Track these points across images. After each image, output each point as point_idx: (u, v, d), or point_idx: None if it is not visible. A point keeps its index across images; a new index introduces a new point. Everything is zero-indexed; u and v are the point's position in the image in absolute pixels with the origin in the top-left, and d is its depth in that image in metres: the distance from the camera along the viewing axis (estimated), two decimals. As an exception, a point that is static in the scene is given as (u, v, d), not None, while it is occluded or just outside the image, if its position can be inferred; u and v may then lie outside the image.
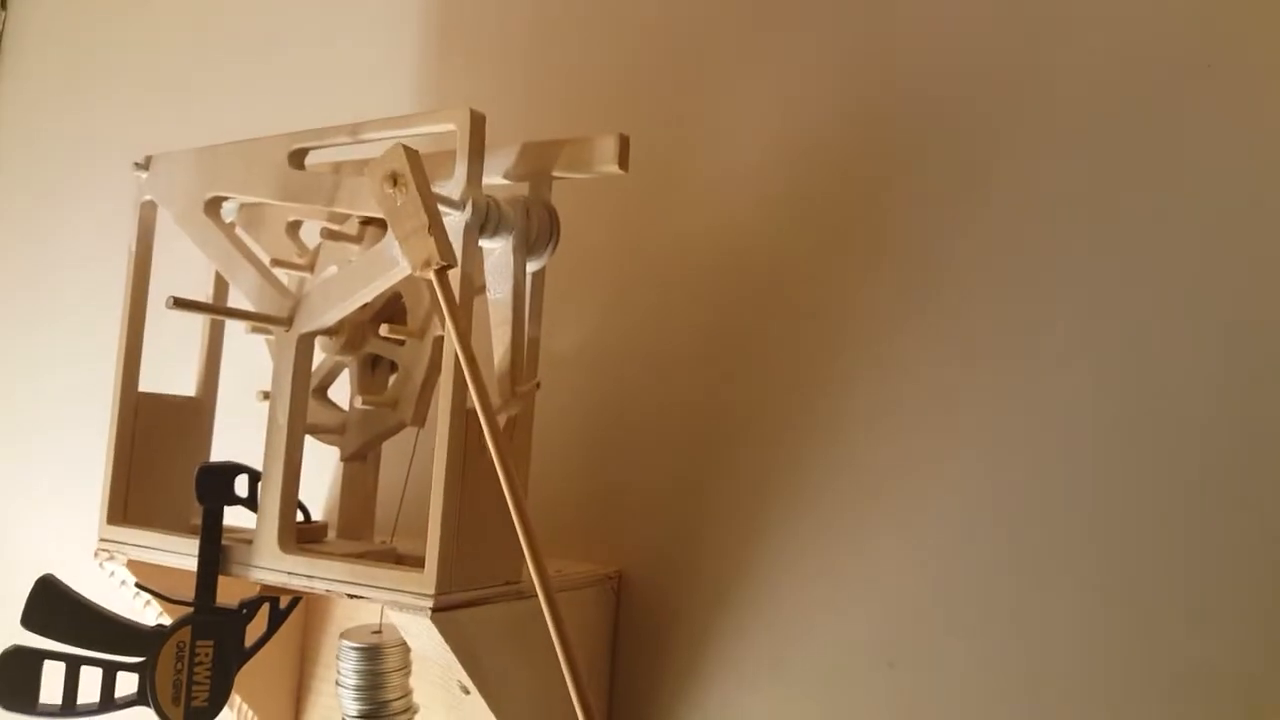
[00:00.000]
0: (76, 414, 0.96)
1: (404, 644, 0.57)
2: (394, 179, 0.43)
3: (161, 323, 0.59)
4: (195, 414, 0.61)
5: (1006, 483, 0.48)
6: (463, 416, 0.46)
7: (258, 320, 0.49)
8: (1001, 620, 0.47)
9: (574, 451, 0.61)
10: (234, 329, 0.63)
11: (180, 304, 0.46)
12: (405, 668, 0.57)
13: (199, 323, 0.62)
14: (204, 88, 0.91)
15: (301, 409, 0.51)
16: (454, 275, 0.46)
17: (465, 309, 0.46)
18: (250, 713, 0.63)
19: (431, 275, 0.43)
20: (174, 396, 0.60)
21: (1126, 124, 0.48)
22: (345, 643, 0.55)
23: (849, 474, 0.52)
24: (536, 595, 0.52)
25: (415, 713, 0.57)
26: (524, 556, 0.50)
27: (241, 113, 0.87)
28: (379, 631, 0.57)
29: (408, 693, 0.57)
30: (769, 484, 0.54)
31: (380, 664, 0.55)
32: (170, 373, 0.62)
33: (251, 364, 0.67)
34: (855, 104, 0.55)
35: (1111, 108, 0.48)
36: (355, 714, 0.55)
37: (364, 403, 0.51)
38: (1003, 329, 0.49)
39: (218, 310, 0.48)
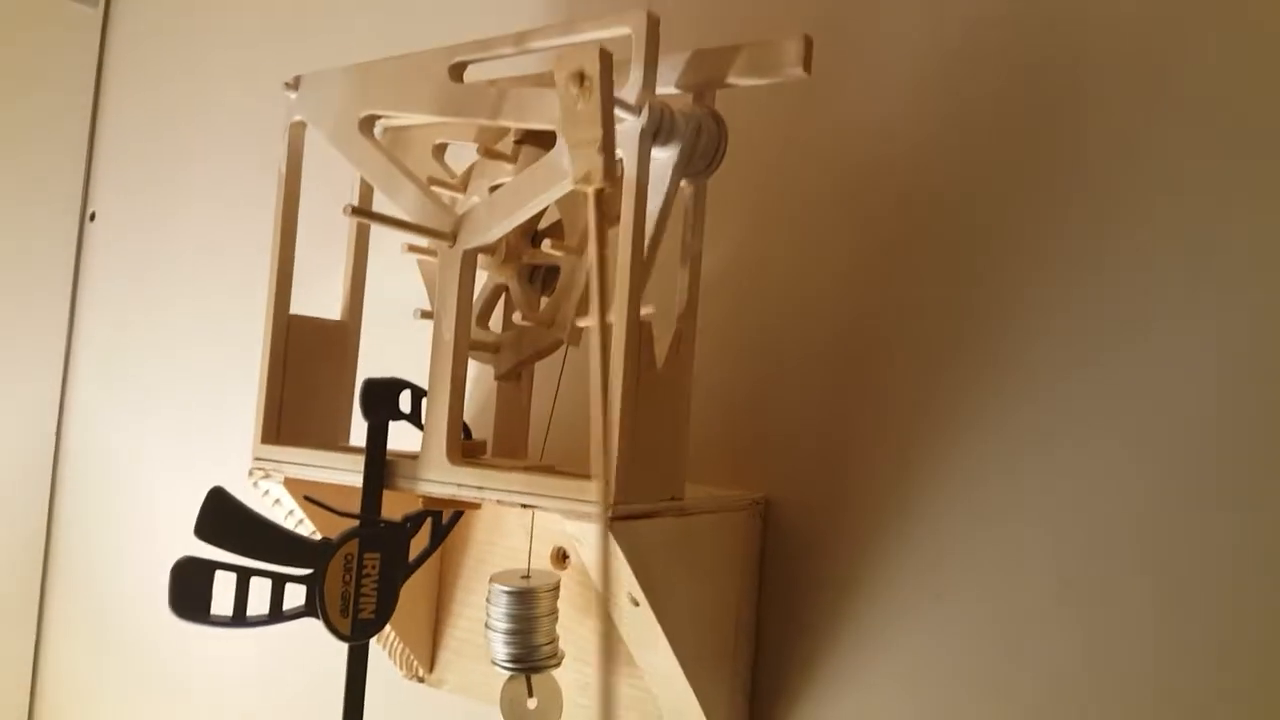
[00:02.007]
0: (203, 343, 0.97)
1: (555, 589, 0.57)
2: (580, 79, 0.42)
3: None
4: (342, 337, 0.61)
5: (1202, 402, 0.46)
6: (638, 324, 0.45)
7: (427, 233, 0.49)
8: (1192, 551, 0.46)
9: (717, 376, 0.60)
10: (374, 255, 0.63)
11: (358, 213, 0.46)
12: (554, 613, 0.57)
13: (339, 250, 0.62)
14: (337, 11, 0.91)
15: (466, 324, 0.50)
16: (626, 182, 0.45)
17: (639, 218, 0.45)
18: (394, 635, 0.64)
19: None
20: (322, 320, 0.60)
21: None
22: (497, 586, 0.55)
23: (1015, 397, 0.51)
24: (698, 513, 0.52)
25: (561, 659, 0.57)
26: (683, 474, 0.50)
27: (371, 36, 0.87)
28: (528, 576, 0.57)
29: (555, 638, 0.57)
30: (926, 407, 0.53)
31: (532, 608, 0.55)
32: (302, 300, 0.62)
33: (385, 290, 0.67)
34: (1022, 5, 0.53)
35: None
36: (505, 657, 0.55)
37: (523, 319, 0.51)
38: (1191, 254, 0.47)
39: (391, 221, 0.48)
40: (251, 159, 0.95)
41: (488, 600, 0.56)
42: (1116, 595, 0.47)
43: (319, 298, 0.67)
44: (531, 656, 0.55)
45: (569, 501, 0.46)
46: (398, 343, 0.64)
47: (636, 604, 0.48)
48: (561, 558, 0.62)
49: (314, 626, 0.51)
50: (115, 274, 1.08)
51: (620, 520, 0.45)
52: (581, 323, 0.51)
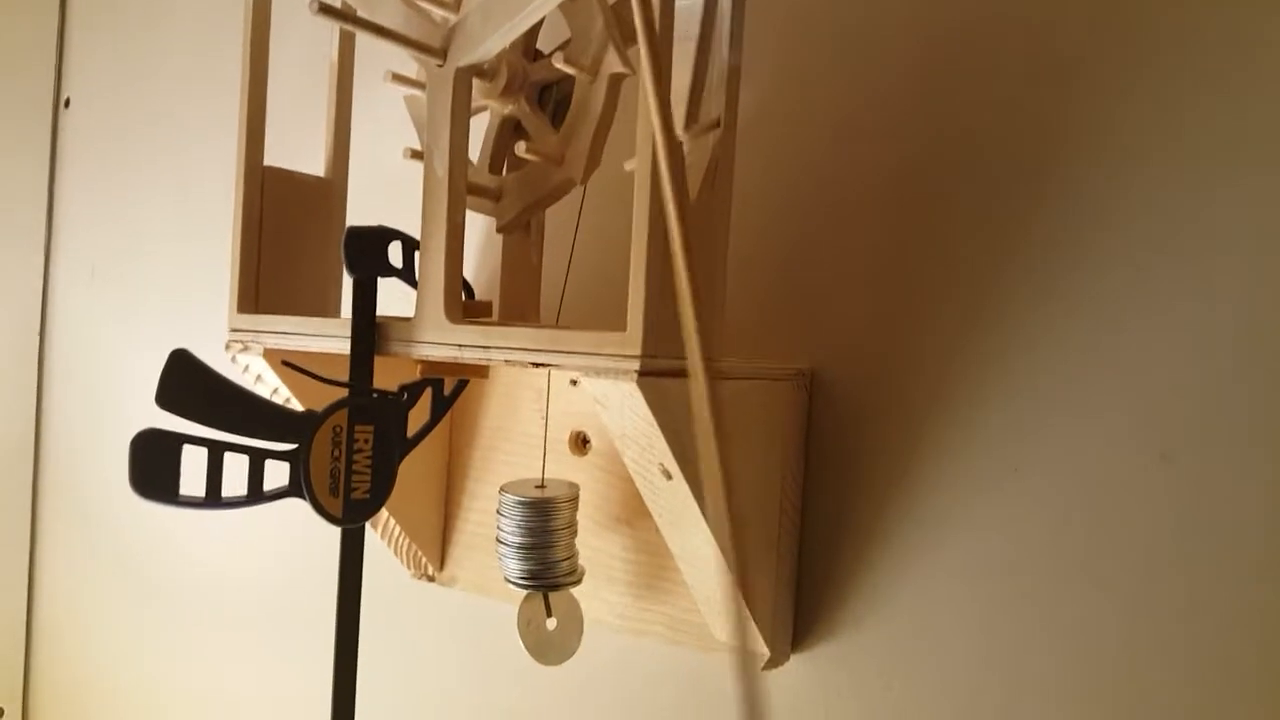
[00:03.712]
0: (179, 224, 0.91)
1: (574, 500, 0.50)
2: None
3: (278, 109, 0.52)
4: (325, 195, 0.54)
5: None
6: (670, 150, 0.38)
7: (412, 46, 0.41)
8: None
9: (753, 231, 0.52)
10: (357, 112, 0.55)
11: (325, 10, 0.38)
12: (573, 525, 0.50)
13: (320, 100, 0.54)
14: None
15: (462, 158, 0.43)
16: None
17: (665, 15, 0.38)
18: (396, 527, 0.58)
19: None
20: (303, 174, 0.53)
21: None
22: (509, 496, 0.49)
23: (1101, 247, 0.43)
24: (737, 377, 0.45)
25: (582, 575, 0.51)
26: (720, 330, 0.43)
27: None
28: (542, 485, 0.51)
29: (574, 553, 0.51)
30: (993, 267, 0.46)
31: (549, 520, 0.49)
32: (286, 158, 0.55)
33: (374, 150, 0.60)
34: None
35: None
36: (519, 574, 0.49)
37: (527, 151, 0.43)
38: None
39: (369, 26, 0.40)
40: (227, 33, 0.87)
41: (498, 512, 0.50)
42: (1223, 458, 0.40)
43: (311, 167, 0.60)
44: (549, 573, 0.49)
45: (588, 356, 0.39)
46: (396, 211, 0.57)
47: (669, 477, 0.42)
48: (581, 443, 0.56)
49: (300, 508, 0.44)
50: (93, 159, 1.01)
51: (648, 376, 0.38)
52: (628, 166, 0.43)
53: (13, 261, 1.01)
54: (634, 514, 0.54)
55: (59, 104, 1.03)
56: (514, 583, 0.49)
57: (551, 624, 0.51)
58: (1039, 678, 0.43)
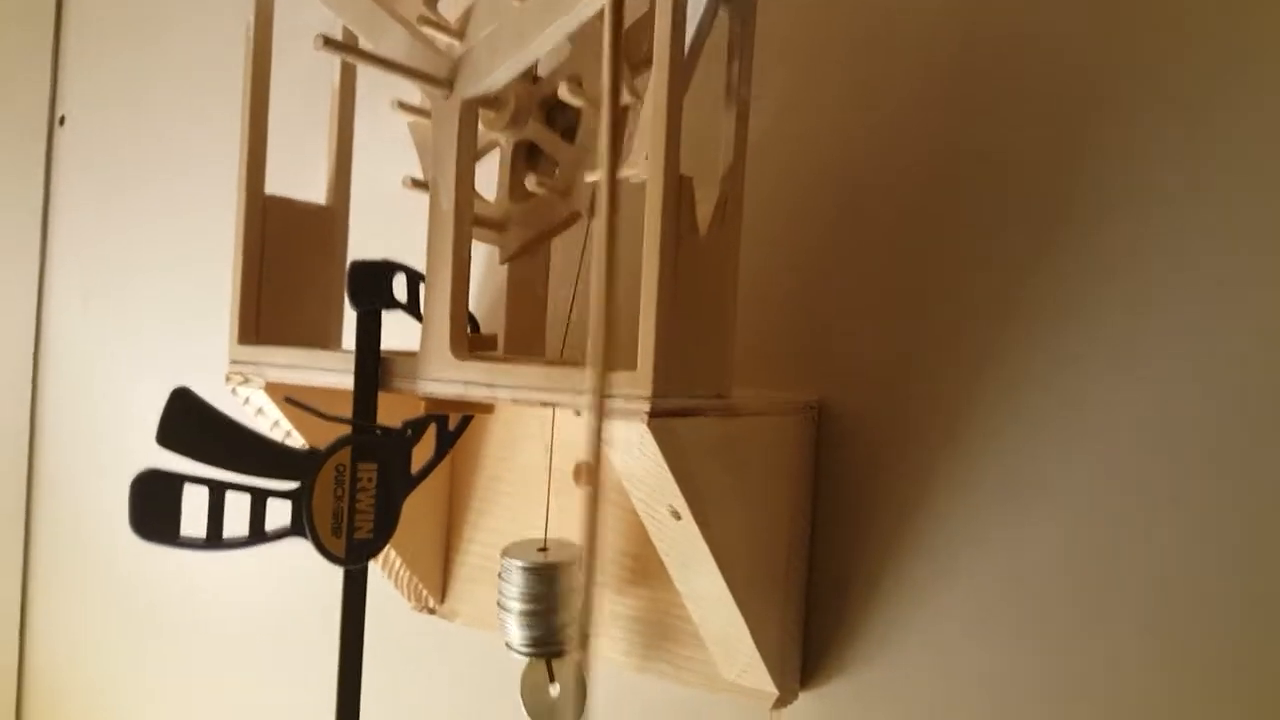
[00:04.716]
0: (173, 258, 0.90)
1: (577, 561, 0.49)
2: None
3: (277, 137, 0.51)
4: (328, 223, 0.53)
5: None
6: (677, 182, 0.37)
7: (418, 78, 0.41)
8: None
9: (761, 261, 0.52)
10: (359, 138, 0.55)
11: (330, 45, 0.38)
12: (578, 589, 0.49)
13: (321, 122, 0.54)
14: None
15: (469, 189, 0.42)
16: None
17: (676, 45, 0.37)
18: (397, 559, 0.57)
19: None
20: (304, 203, 0.52)
21: None
22: (512, 561, 0.48)
23: (1120, 279, 0.42)
24: (747, 414, 0.44)
25: (590, 638, 0.50)
26: (730, 367, 0.43)
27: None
28: (545, 549, 0.50)
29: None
30: (1007, 297, 0.45)
31: (552, 585, 0.48)
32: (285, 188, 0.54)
33: (373, 175, 0.59)
34: None
35: None
36: (522, 641, 0.48)
37: (536, 184, 0.43)
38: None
39: (374, 60, 0.40)
40: (227, 50, 0.86)
41: (500, 577, 0.48)
42: (1228, 504, 0.39)
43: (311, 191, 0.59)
44: (553, 639, 0.48)
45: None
46: (398, 237, 0.56)
47: (678, 517, 0.41)
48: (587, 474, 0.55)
49: (302, 548, 0.44)
50: (88, 179, 1.00)
51: (659, 417, 0.37)
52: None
53: (6, 283, 1.00)
54: (640, 547, 0.53)
55: (54, 121, 1.02)
56: (517, 650, 0.48)
57: (555, 690, 0.49)
58: (1060, 715, 0.43)
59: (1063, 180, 0.44)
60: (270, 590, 0.79)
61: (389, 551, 0.57)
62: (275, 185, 0.51)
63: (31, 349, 1.03)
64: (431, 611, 0.60)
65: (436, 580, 0.60)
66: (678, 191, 0.37)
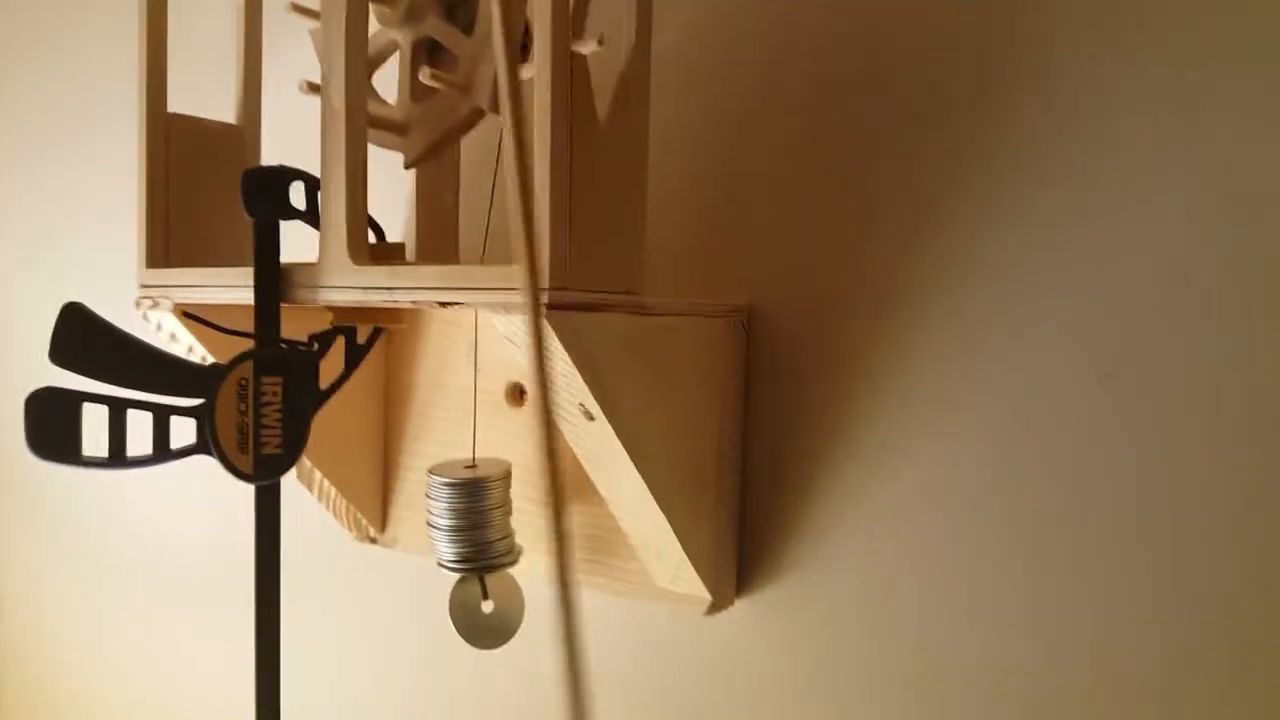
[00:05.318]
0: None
1: (506, 477, 0.48)
2: None
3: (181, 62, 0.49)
4: (236, 143, 0.51)
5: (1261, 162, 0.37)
6: (566, 56, 0.35)
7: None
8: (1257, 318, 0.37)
9: (679, 158, 0.50)
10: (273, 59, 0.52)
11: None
12: (506, 505, 0.48)
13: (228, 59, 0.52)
14: None
15: (360, 85, 0.41)
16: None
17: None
18: (331, 488, 0.56)
19: None
20: (210, 121, 0.50)
21: None
22: (437, 478, 0.47)
23: (1042, 162, 0.41)
24: (662, 314, 0.43)
25: (519, 554, 0.49)
26: (640, 264, 0.41)
27: None
28: (473, 465, 0.49)
29: (510, 533, 0.49)
30: (930, 189, 0.43)
31: (480, 501, 0.47)
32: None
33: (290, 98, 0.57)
34: None
35: None
36: (452, 558, 0.47)
37: (431, 78, 0.41)
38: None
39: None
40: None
41: (427, 495, 0.48)
42: (1161, 383, 0.38)
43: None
44: (483, 555, 0.47)
45: (496, 292, 0.37)
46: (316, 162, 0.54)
47: (591, 418, 0.40)
48: (519, 394, 0.54)
49: (209, 466, 0.42)
50: None
51: (558, 309, 0.36)
52: (526, 74, 0.41)
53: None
54: (574, 464, 0.52)
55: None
56: (447, 566, 0.47)
57: (488, 607, 0.49)
58: (987, 611, 0.42)
59: (986, 60, 0.42)
60: (217, 522, 0.78)
61: (322, 481, 0.56)
62: (189, 108, 0.50)
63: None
64: (373, 540, 0.59)
65: (376, 509, 0.59)
66: (566, 67, 0.35)
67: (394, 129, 0.44)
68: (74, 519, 0.94)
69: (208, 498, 0.78)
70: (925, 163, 0.43)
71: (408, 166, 0.44)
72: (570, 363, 0.37)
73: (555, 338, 0.36)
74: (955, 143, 0.43)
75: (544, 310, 0.36)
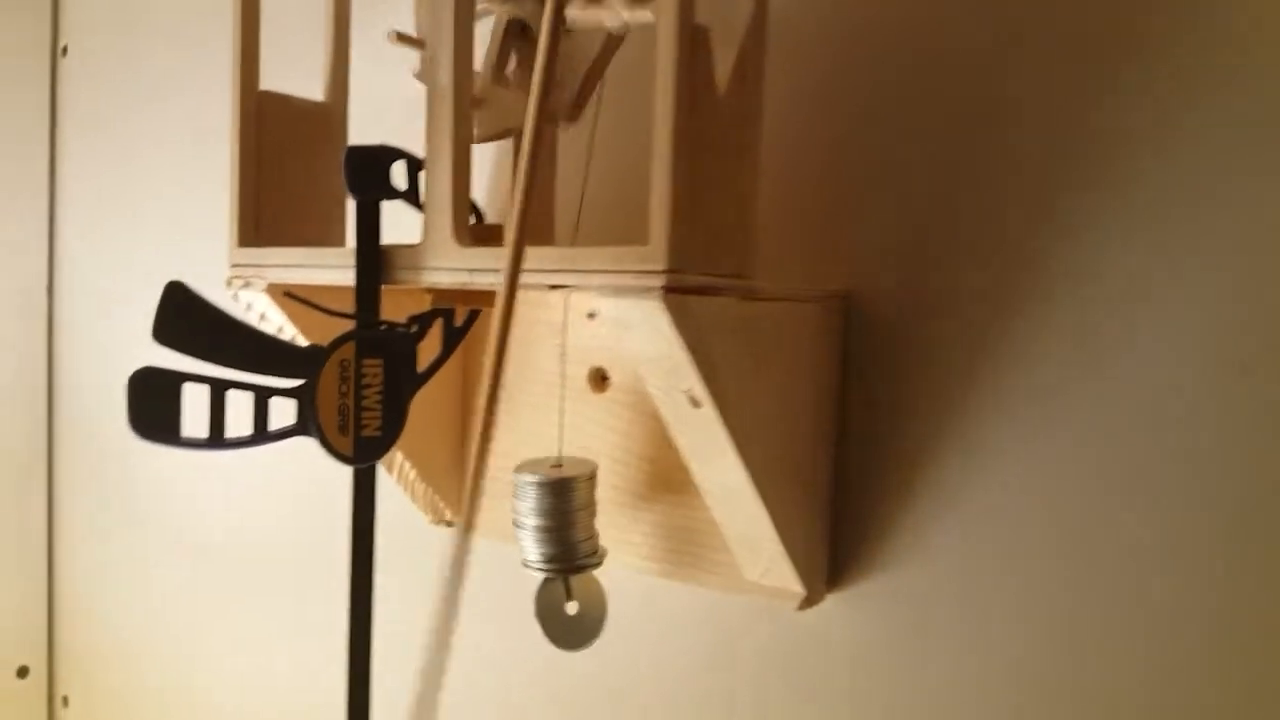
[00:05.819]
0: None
1: (591, 476, 0.47)
2: None
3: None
4: (327, 121, 0.51)
5: None
6: (691, 27, 0.34)
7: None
8: None
9: (785, 135, 0.49)
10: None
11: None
12: (592, 505, 0.48)
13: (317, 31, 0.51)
14: None
15: (468, 66, 0.40)
16: None
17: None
18: (411, 471, 0.56)
19: None
20: (301, 100, 0.50)
21: None
22: (524, 477, 0.46)
23: (1176, 153, 0.39)
24: (769, 298, 0.42)
25: (604, 556, 0.48)
26: (752, 245, 0.40)
27: None
28: (559, 465, 0.48)
29: (595, 534, 0.48)
30: (1054, 173, 0.42)
31: (567, 500, 0.46)
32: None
33: (378, 75, 0.56)
34: None
35: None
36: (538, 559, 0.46)
37: (512, 70, 0.40)
38: None
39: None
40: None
41: (514, 495, 0.47)
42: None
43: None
44: (570, 556, 0.47)
45: (608, 274, 0.36)
46: (403, 141, 0.54)
47: (697, 405, 0.39)
48: (601, 379, 0.53)
49: (307, 446, 0.42)
50: (92, 106, 0.98)
51: (674, 292, 0.35)
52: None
53: (17, 213, 1.00)
54: (658, 450, 0.51)
55: (56, 52, 1.00)
56: (533, 567, 0.47)
57: (572, 608, 0.48)
58: (1090, 628, 0.41)
59: (1122, 45, 0.41)
60: (289, 506, 0.78)
61: (402, 463, 0.55)
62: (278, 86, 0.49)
63: (45, 275, 1.03)
64: (449, 524, 0.59)
65: (452, 493, 0.58)
66: (692, 38, 0.34)
67: (473, 104, 0.43)
68: (141, 494, 0.95)
69: (277, 475, 0.78)
70: (1052, 146, 0.42)
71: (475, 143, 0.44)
72: (682, 346, 0.36)
73: (669, 320, 0.35)
74: (1084, 130, 0.41)
75: (660, 293, 0.35)
